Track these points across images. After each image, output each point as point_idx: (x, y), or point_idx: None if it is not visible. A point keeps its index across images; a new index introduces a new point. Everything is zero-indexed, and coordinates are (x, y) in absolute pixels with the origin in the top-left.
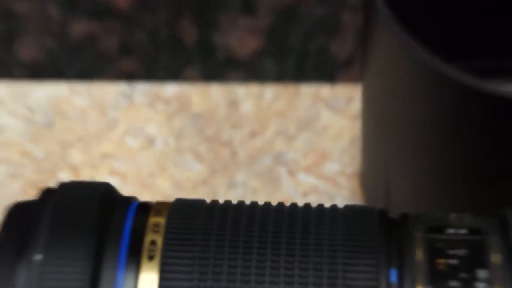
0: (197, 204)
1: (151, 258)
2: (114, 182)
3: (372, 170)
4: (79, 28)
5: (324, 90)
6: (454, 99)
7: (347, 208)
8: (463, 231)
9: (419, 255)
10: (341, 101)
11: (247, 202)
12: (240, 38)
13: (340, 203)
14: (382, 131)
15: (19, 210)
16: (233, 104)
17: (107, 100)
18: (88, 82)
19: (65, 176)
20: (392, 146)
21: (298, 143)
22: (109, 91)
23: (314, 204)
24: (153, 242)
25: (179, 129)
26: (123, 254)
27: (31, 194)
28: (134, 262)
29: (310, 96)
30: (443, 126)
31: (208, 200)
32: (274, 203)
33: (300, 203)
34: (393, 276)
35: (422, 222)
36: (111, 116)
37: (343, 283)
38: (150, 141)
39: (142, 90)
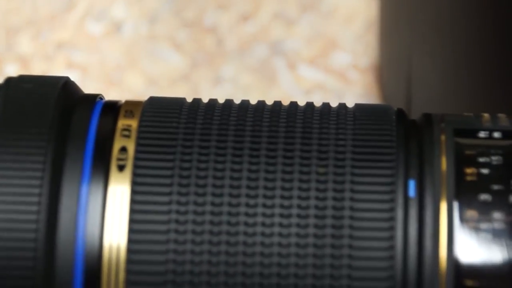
0: (176, 104)
1: (121, 168)
2: (73, 76)
3: (391, 62)
4: None
5: None
6: None
7: (358, 107)
8: (497, 134)
9: (444, 163)
10: None
11: (237, 101)
12: None
13: (351, 102)
14: (405, 12)
15: None
16: None
17: None
18: None
19: (12, 70)
20: (416, 30)
21: (299, 28)
22: None
23: (318, 103)
24: (123, 149)
25: (152, 11)
26: (87, 164)
27: None
28: (101, 173)
29: None
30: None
31: (189, 99)
32: (269, 102)
33: (302, 102)
34: (412, 188)
35: (448, 123)
36: None
37: (351, 197)
38: (117, 26)
39: None
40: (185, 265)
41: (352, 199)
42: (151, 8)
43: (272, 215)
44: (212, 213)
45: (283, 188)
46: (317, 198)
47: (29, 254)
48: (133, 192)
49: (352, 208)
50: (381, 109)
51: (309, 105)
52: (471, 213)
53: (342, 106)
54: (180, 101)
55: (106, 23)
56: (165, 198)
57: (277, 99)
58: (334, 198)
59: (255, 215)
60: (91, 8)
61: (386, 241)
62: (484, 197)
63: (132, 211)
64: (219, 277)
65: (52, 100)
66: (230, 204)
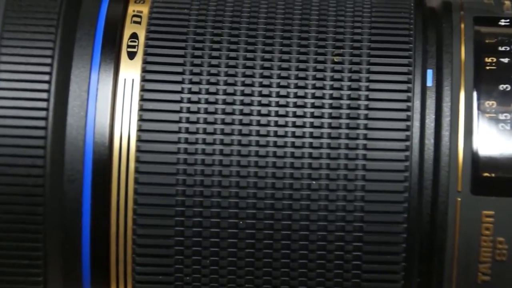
0: None
1: (131, 55)
2: None
3: None
4: None
5: None
6: None
7: None
8: None
9: (463, 52)
10: None
11: None
12: None
13: None
14: None
15: None
16: None
17: None
18: None
19: None
20: None
21: None
22: None
23: None
24: (134, 36)
25: None
26: (97, 51)
27: None
28: (111, 60)
29: None
30: None
31: None
32: None
33: None
34: (430, 78)
35: (468, 11)
36: None
37: (367, 86)
38: None
39: None
40: (197, 154)
41: (368, 89)
42: None
43: (286, 104)
44: (225, 102)
45: (297, 82)
46: (332, 87)
47: (39, 143)
48: (144, 80)
49: (368, 98)
50: None
51: None
52: (490, 103)
53: None
54: None
55: None
56: (176, 87)
57: None
58: (350, 88)
59: (268, 104)
60: None
61: (403, 132)
62: (504, 86)
63: (143, 100)
64: (231, 167)
65: None
66: (243, 94)
